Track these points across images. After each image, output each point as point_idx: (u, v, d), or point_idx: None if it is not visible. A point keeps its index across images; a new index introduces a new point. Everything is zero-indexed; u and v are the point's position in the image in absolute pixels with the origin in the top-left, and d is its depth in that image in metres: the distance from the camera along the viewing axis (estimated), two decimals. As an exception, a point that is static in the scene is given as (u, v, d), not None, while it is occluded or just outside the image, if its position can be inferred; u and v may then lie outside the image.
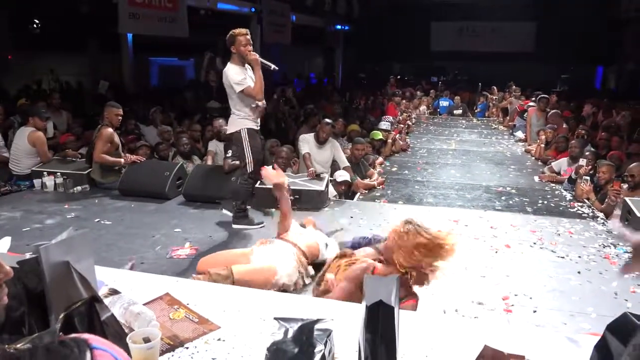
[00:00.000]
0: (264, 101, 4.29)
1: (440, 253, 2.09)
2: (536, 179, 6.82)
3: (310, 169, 5.36)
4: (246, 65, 4.24)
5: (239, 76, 4.13)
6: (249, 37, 4.18)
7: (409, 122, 10.66)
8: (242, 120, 4.25)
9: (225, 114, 4.79)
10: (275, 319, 1.54)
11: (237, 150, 4.38)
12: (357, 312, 1.52)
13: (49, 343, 0.74)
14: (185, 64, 16.59)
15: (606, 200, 5.01)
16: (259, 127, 4.38)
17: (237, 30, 4.15)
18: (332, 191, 5.50)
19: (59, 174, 5.55)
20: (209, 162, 6.03)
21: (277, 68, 4.36)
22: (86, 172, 5.62)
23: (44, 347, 0.73)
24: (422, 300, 3.12)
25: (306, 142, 5.85)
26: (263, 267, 2.64)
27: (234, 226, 4.38)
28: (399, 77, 17.40)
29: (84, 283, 1.44)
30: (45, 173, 5.57)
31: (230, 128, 4.35)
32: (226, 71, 4.22)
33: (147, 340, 1.46)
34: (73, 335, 0.80)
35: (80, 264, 1.46)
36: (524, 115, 10.30)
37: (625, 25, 14.65)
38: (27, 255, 1.44)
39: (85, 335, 0.79)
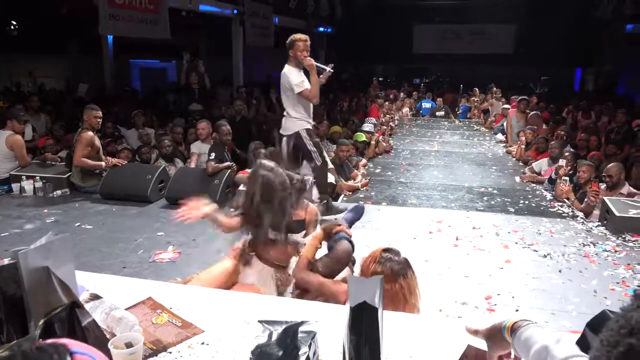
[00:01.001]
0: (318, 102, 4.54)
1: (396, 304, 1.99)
2: (517, 179, 6.91)
3: None
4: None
5: (298, 78, 4.35)
6: (308, 43, 4.40)
7: (391, 123, 10.71)
8: (300, 122, 4.48)
9: (205, 115, 4.78)
10: (259, 321, 1.53)
11: (301, 149, 4.56)
12: (341, 314, 1.52)
13: (26, 349, 0.72)
14: (166, 66, 16.46)
15: (585, 200, 5.10)
16: (313, 126, 4.63)
17: (296, 36, 4.41)
18: (316, 193, 5.50)
19: (38, 178, 5.46)
20: (193, 165, 5.99)
21: (332, 70, 4.50)
22: (66, 175, 5.54)
23: (21, 353, 0.72)
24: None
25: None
26: (246, 287, 2.61)
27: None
28: (381, 79, 17.49)
29: (64, 288, 1.41)
30: (24, 177, 5.48)
31: (288, 130, 4.54)
32: (286, 73, 4.43)
33: (129, 345, 1.44)
34: (51, 340, 0.78)
35: (60, 269, 1.43)
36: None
37: (603, 27, 14.95)
38: (6, 261, 1.41)
39: (64, 340, 0.77)
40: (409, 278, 2.00)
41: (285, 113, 4.61)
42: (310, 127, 4.60)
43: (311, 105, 4.54)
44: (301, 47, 4.37)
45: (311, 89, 4.39)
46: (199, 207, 2.63)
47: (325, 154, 6.08)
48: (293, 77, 4.39)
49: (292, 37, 4.44)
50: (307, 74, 4.51)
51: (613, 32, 14.22)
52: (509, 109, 10.31)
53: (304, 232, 2.71)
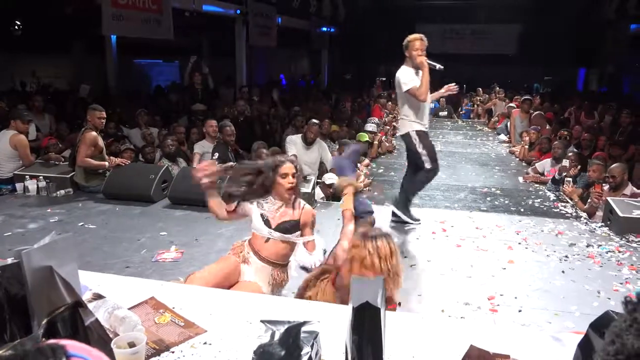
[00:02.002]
0: (427, 101, 4.41)
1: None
2: (520, 179, 6.89)
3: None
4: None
5: (407, 77, 4.29)
6: (424, 42, 4.36)
7: (394, 123, 10.70)
8: (410, 123, 4.39)
9: (209, 115, 4.75)
10: (261, 321, 1.53)
11: (410, 152, 4.52)
12: (343, 314, 1.52)
13: (25, 350, 0.72)
14: (170, 66, 16.49)
15: (588, 200, 5.09)
16: (427, 129, 4.50)
17: (411, 36, 4.40)
18: (319, 193, 5.50)
19: (41, 177, 5.47)
20: (195, 164, 5.99)
21: (442, 67, 4.45)
22: (69, 175, 5.55)
23: (19, 354, 0.72)
24: (409, 301, 3.14)
25: (293, 143, 5.85)
26: (247, 285, 2.62)
27: (394, 210, 4.56)
28: (384, 79, 17.47)
29: (67, 288, 1.42)
30: (27, 177, 5.49)
31: (400, 130, 4.55)
32: (398, 72, 4.40)
33: (132, 345, 1.44)
34: (52, 341, 0.78)
35: (64, 269, 1.43)
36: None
37: (607, 27, 14.89)
38: (9, 261, 1.41)
39: (64, 342, 0.77)
40: (379, 242, 2.00)
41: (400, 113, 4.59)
42: (423, 129, 4.43)
43: (424, 106, 4.41)
44: (416, 46, 4.31)
45: (419, 87, 4.28)
46: (210, 169, 2.68)
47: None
48: (402, 75, 4.34)
49: (408, 38, 4.41)
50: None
51: (617, 32, 14.17)
52: (514, 107, 10.29)
53: (299, 232, 2.69)
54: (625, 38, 13.57)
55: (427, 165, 4.40)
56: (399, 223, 4.60)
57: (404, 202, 4.63)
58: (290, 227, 2.65)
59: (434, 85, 4.58)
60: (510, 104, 11.04)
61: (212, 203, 2.76)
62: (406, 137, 4.46)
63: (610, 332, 0.79)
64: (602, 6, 15.19)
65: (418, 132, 4.40)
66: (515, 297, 3.20)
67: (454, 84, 4.83)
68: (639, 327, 0.74)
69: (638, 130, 7.50)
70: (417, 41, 4.32)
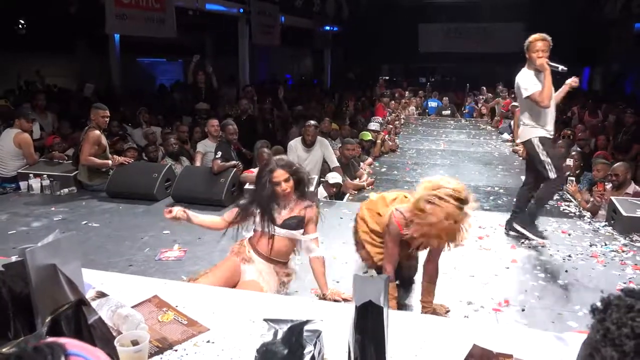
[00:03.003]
0: (550, 107, 4.00)
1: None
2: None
3: None
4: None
5: (528, 81, 3.96)
6: (547, 43, 3.96)
7: (397, 122, 10.70)
8: (531, 130, 4.05)
9: (212, 114, 4.73)
10: (264, 320, 1.54)
11: (532, 160, 4.16)
12: (346, 313, 1.52)
13: (24, 348, 0.72)
14: (173, 65, 16.51)
15: (591, 199, 5.08)
16: (552, 135, 4.18)
17: (532, 37, 4.00)
18: (322, 192, 5.50)
19: (45, 176, 5.49)
20: (198, 163, 6.01)
21: (565, 69, 4.05)
22: (73, 174, 5.57)
23: (16, 353, 0.71)
24: (412, 300, 3.14)
25: (293, 150, 5.84)
26: (249, 284, 2.64)
27: (517, 227, 4.20)
28: (387, 77, 17.48)
29: (70, 286, 1.42)
30: (31, 175, 5.51)
31: (521, 137, 4.18)
32: (518, 76, 4.08)
33: (135, 343, 1.45)
34: (51, 339, 0.78)
35: (67, 267, 1.44)
36: (509, 115, 10.43)
37: (611, 26, 14.83)
38: (13, 259, 1.42)
39: (63, 340, 0.77)
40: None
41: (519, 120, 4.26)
42: (547, 135, 4.04)
43: (548, 111, 4.02)
44: (537, 47, 3.91)
45: (541, 92, 3.90)
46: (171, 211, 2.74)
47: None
48: (522, 79, 4.01)
49: (529, 38, 4.04)
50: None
51: (621, 31, 14.10)
52: (517, 107, 10.23)
53: (302, 230, 2.70)
54: (630, 37, 13.51)
55: (551, 175, 4.00)
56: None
57: (530, 216, 4.17)
58: (294, 223, 2.66)
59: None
60: (514, 103, 11.00)
61: (201, 225, 2.85)
62: (528, 144, 4.10)
63: (586, 345, 0.78)
64: (606, 5, 15.13)
65: (541, 139, 4.03)
66: (519, 296, 3.19)
67: (574, 77, 4.35)
68: (613, 336, 0.72)
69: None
70: (538, 42, 3.93)
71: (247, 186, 5.19)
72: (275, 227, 2.65)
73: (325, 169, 5.92)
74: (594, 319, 0.78)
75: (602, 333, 0.74)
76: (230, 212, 2.81)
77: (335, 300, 2.63)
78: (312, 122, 6.04)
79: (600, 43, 15.45)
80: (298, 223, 2.68)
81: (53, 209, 4.93)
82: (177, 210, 2.72)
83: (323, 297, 2.72)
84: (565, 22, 16.15)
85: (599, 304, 0.78)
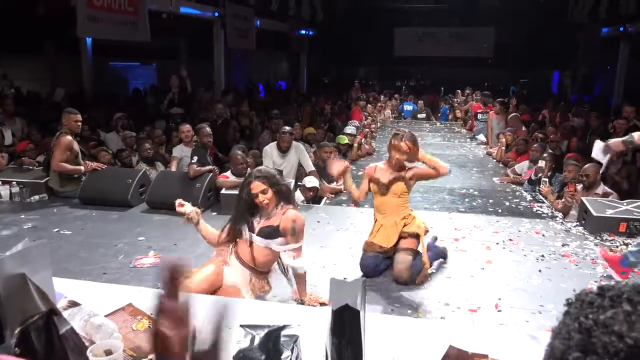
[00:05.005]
0: None
1: None
2: (495, 180, 7.00)
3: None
4: None
5: None
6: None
7: (373, 126, 10.76)
8: None
9: (187, 119, 4.69)
10: (241, 326, 1.52)
11: None
12: (323, 317, 1.52)
13: None
14: (147, 69, 16.30)
15: (562, 200, 5.19)
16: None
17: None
18: (299, 196, 5.50)
19: (14, 183, 5.35)
20: (173, 168, 5.93)
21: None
22: (44, 180, 5.44)
23: None
24: (389, 302, 3.16)
25: (268, 156, 5.82)
26: (230, 290, 2.62)
27: None
28: (363, 81, 17.57)
29: (41, 296, 1.38)
30: (0, 182, 5.36)
31: None
32: None
33: (108, 352, 1.42)
34: None
35: (38, 276, 1.40)
36: (480, 117, 10.64)
37: (579, 30, 15.23)
38: (-20, 269, 1.37)
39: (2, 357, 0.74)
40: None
41: None
42: None
43: None
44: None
45: None
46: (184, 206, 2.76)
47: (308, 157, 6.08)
48: None
49: None
50: None
51: (589, 35, 14.49)
52: (488, 112, 10.44)
53: (280, 239, 2.67)
54: (597, 41, 13.90)
55: None
56: None
57: None
58: (269, 232, 2.64)
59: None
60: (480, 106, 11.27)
61: (204, 236, 2.83)
62: None
63: (552, 336, 0.79)
64: (574, 10, 15.54)
65: None
66: (494, 297, 3.24)
67: None
68: (568, 329, 0.74)
69: (607, 130, 7.68)
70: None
71: (223, 191, 5.16)
72: (253, 235, 2.63)
73: (301, 173, 5.92)
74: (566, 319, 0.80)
75: (560, 325, 0.77)
76: (226, 229, 2.79)
77: (313, 306, 2.63)
78: (287, 128, 6.04)
79: (568, 47, 15.86)
80: (272, 232, 2.65)
81: (23, 216, 4.80)
82: (192, 210, 2.70)
83: (301, 303, 2.73)
84: (535, 26, 16.56)
85: (573, 298, 0.81)
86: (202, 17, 11.36)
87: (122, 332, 1.64)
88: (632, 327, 0.68)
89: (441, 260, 3.80)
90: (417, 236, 3.52)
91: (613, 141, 3.43)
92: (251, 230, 2.64)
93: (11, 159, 5.93)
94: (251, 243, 2.65)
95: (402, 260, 3.40)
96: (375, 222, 3.66)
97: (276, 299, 2.94)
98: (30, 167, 5.69)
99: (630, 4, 11.79)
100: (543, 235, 4.48)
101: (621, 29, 12.13)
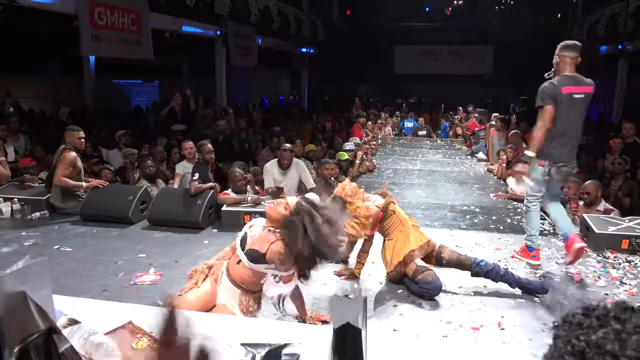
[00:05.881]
0: None
1: None
2: (492, 196, 7.01)
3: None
4: None
5: None
6: None
7: (373, 142, 10.79)
8: None
9: (189, 136, 4.72)
10: (242, 344, 1.51)
11: None
12: (324, 335, 1.51)
13: None
14: (150, 86, 16.44)
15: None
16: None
17: None
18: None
19: (16, 199, 5.36)
20: (176, 185, 5.92)
21: None
22: (45, 197, 5.44)
23: None
24: (390, 320, 3.13)
25: (269, 172, 5.84)
26: (223, 309, 2.56)
27: None
28: (364, 98, 17.70)
29: (41, 314, 1.38)
30: (1, 199, 5.37)
31: None
32: None
33: (108, 371, 1.40)
34: None
35: (38, 294, 1.40)
36: (481, 134, 10.69)
37: (578, 49, 15.38)
38: (-20, 286, 1.37)
39: None
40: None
41: None
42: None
43: None
44: None
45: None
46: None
47: (309, 174, 6.09)
48: None
49: None
50: None
51: (588, 53, 14.63)
52: (492, 126, 10.47)
53: (265, 265, 2.46)
54: (596, 59, 14.02)
55: None
56: None
57: None
58: (255, 257, 2.46)
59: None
60: (492, 122, 11.27)
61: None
62: None
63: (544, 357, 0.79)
64: (573, 29, 15.73)
65: None
66: (497, 315, 3.21)
67: None
68: (560, 353, 0.74)
69: (602, 147, 7.70)
70: None
71: (224, 208, 5.16)
72: (242, 252, 2.51)
73: (302, 190, 5.92)
74: (558, 336, 0.80)
75: (552, 350, 0.77)
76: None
77: (315, 324, 2.59)
78: (288, 145, 6.06)
79: (568, 65, 15.97)
80: (257, 258, 2.46)
81: (24, 233, 4.80)
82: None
83: (303, 321, 2.69)
84: (534, 44, 16.71)
85: (559, 320, 0.81)
86: (204, 36, 11.50)
87: (121, 351, 1.63)
88: (624, 346, 0.68)
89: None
90: None
91: (517, 167, 4.13)
92: (242, 247, 2.53)
93: (13, 176, 5.94)
94: (239, 261, 2.53)
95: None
96: (394, 238, 3.68)
97: (275, 316, 2.91)
98: (32, 184, 5.70)
99: (629, 22, 11.93)
100: (545, 252, 4.46)
101: (620, 46, 12.25)
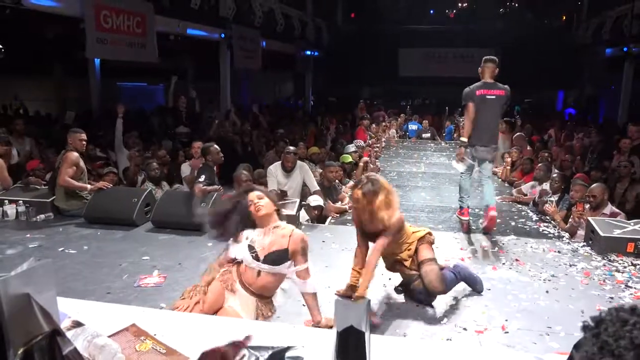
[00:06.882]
0: None
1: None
2: (497, 199, 6.98)
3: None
4: None
5: None
6: None
7: (377, 145, 10.79)
8: None
9: (195, 138, 4.73)
10: (246, 347, 1.51)
11: None
12: (327, 339, 1.50)
13: None
14: (154, 89, 16.50)
15: (570, 220, 5.16)
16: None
17: None
18: (304, 215, 5.49)
19: (21, 202, 5.37)
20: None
21: None
22: (50, 199, 5.46)
23: None
24: (394, 323, 3.13)
25: (273, 175, 5.84)
26: (230, 311, 2.57)
27: None
28: (368, 101, 17.71)
29: (45, 316, 1.38)
30: (6, 201, 5.39)
31: None
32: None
33: (111, 374, 1.41)
34: None
35: (42, 296, 1.40)
36: None
37: (583, 51, 15.34)
38: (-15, 288, 1.37)
39: None
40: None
41: None
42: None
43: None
44: None
45: None
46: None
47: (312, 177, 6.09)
48: None
49: None
50: None
51: (593, 55, 14.59)
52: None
53: (288, 262, 2.59)
54: (601, 61, 13.98)
55: None
56: None
57: None
58: (278, 257, 2.55)
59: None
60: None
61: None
62: None
63: (582, 358, 0.80)
64: (577, 31, 15.70)
65: None
66: (501, 318, 3.20)
67: None
68: (612, 348, 0.75)
69: (608, 148, 7.67)
70: None
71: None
72: (259, 263, 2.55)
73: (305, 192, 5.92)
74: (586, 334, 0.81)
75: (599, 346, 0.79)
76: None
77: (330, 327, 2.58)
78: (291, 148, 6.07)
79: (573, 68, 15.94)
80: (281, 256, 2.56)
81: (28, 235, 4.81)
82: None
83: (317, 325, 2.67)
84: (540, 47, 16.69)
85: (590, 321, 0.83)
86: (209, 39, 11.53)
87: (125, 353, 1.63)
88: None
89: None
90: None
91: (457, 151, 5.48)
92: (256, 259, 2.56)
93: (18, 178, 5.97)
94: (259, 272, 2.56)
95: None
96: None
97: (280, 319, 2.91)
98: (37, 187, 5.73)
99: (634, 24, 11.89)
100: (550, 256, 4.44)
101: (625, 49, 12.21)
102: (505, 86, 5.24)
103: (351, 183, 7.55)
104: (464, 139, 5.21)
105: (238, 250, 2.63)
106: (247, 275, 2.59)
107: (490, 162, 5.41)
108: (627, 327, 0.77)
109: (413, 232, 3.39)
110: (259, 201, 2.64)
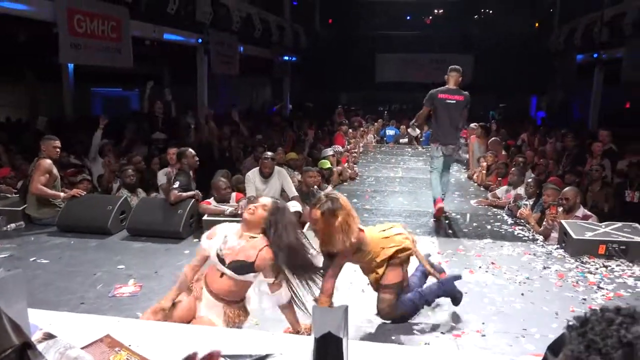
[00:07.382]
0: None
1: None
2: (473, 203, 7.09)
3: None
4: None
5: None
6: None
7: (355, 150, 10.84)
8: None
9: (171, 144, 4.66)
10: (222, 356, 1.49)
11: None
12: (306, 345, 1.50)
13: None
14: (129, 95, 16.29)
15: (544, 223, 5.25)
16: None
17: None
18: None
19: (-10, 210, 5.24)
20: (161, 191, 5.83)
21: None
22: (21, 208, 5.33)
23: None
24: (371, 328, 3.13)
25: (251, 182, 5.80)
26: (204, 320, 2.53)
27: None
28: (346, 106, 17.77)
29: (15, 329, 1.34)
30: (-25, 210, 5.25)
31: None
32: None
33: (84, 387, 1.37)
34: None
35: (12, 308, 1.37)
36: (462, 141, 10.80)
37: (555, 57, 15.70)
38: (-49, 301, 1.33)
39: None
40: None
41: None
42: None
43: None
44: None
45: None
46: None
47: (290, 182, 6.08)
48: None
49: None
50: None
51: (565, 61, 14.94)
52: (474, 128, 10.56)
53: (253, 274, 2.52)
54: (573, 67, 14.32)
55: None
56: None
57: None
58: (241, 268, 2.49)
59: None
60: (472, 124, 11.38)
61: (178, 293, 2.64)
62: None
63: (567, 357, 0.81)
64: (550, 38, 16.08)
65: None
66: (477, 322, 3.23)
67: None
68: (599, 346, 0.77)
69: (582, 153, 7.84)
70: None
71: (205, 217, 5.11)
72: (223, 267, 2.50)
73: (285, 198, 5.90)
74: (571, 333, 0.83)
75: (586, 344, 0.81)
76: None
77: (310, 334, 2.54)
78: (269, 153, 6.05)
79: (545, 73, 16.31)
80: (245, 268, 2.49)
81: (-1, 245, 4.69)
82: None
83: (297, 333, 2.64)
84: (513, 53, 17.04)
85: (575, 321, 0.85)
86: (186, 44, 11.43)
87: (99, 365, 1.60)
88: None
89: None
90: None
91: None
92: (221, 261, 2.51)
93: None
94: (222, 274, 2.52)
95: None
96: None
97: (258, 327, 2.89)
98: (7, 195, 5.59)
99: (604, 32, 12.23)
100: (524, 258, 4.51)
101: (595, 55, 12.53)
102: (465, 92, 5.94)
103: (329, 188, 7.60)
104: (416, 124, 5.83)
105: (210, 246, 2.58)
106: (211, 276, 2.56)
107: (452, 157, 6.30)
108: (613, 327, 0.79)
109: (382, 249, 3.10)
110: (257, 209, 2.59)
